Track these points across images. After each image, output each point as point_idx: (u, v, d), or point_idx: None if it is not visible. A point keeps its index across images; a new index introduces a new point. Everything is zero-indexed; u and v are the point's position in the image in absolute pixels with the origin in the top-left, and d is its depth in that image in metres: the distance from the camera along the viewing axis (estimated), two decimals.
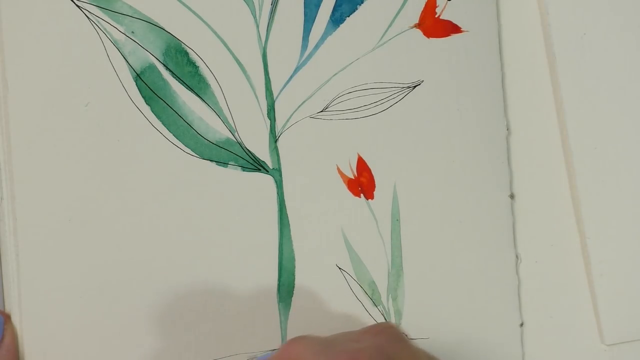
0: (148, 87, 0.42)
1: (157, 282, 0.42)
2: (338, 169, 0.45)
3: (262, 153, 0.44)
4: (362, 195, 0.46)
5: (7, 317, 0.41)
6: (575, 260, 0.48)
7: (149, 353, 0.42)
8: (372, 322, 0.45)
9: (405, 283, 0.46)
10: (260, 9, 0.44)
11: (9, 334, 0.40)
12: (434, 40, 0.47)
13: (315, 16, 0.45)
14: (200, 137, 0.43)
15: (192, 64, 0.43)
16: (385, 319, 0.46)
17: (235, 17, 0.43)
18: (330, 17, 0.45)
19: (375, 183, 0.46)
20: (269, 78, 0.44)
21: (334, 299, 0.45)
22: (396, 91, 0.46)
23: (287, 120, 0.44)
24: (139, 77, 0.42)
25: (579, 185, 0.47)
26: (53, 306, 0.41)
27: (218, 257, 0.43)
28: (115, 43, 0.42)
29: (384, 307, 0.46)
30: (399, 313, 0.46)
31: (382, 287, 0.46)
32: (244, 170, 0.44)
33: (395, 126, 0.46)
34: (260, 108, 0.44)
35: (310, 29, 0.45)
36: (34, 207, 0.41)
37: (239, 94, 0.44)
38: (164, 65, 0.43)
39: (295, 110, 0.45)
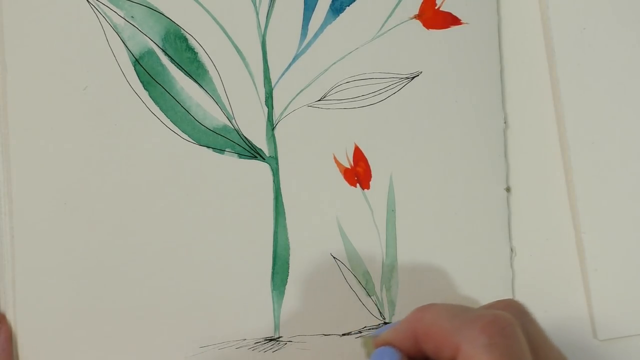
0: (147, 72, 0.42)
1: (151, 269, 0.42)
2: (335, 158, 0.45)
3: (259, 141, 0.44)
4: (358, 185, 0.46)
5: (2, 317, 0.41)
6: (570, 254, 0.48)
7: (142, 340, 0.42)
8: (366, 312, 0.45)
9: (399, 274, 0.46)
10: None
11: (3, 333, 0.40)
12: (434, 32, 0.47)
13: (316, 5, 0.45)
14: (198, 123, 0.43)
15: (191, 50, 0.43)
16: (378, 310, 0.46)
17: (235, 4, 0.43)
18: (330, 6, 0.45)
19: (372, 173, 0.46)
20: (267, 66, 0.44)
21: (327, 289, 0.45)
22: (394, 82, 0.46)
23: (285, 109, 0.44)
24: (137, 62, 0.42)
25: (575, 180, 0.47)
26: (47, 300, 0.41)
27: (213, 243, 0.43)
28: (114, 27, 0.42)
29: (377, 298, 0.46)
30: (392, 304, 0.46)
31: (376, 277, 0.46)
32: (240, 158, 0.44)
33: (393, 117, 0.46)
34: (258, 95, 0.44)
35: (310, 18, 0.45)
36: (30, 190, 0.41)
37: (237, 81, 0.44)
38: (163, 50, 0.43)
39: (293, 99, 0.45)
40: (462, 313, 0.32)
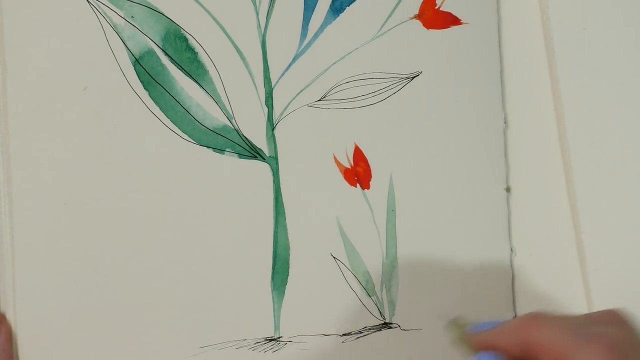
0: (147, 72, 0.42)
1: (151, 269, 0.42)
2: (335, 158, 0.45)
3: (259, 141, 0.44)
4: (358, 185, 0.46)
5: (2, 317, 0.41)
6: (570, 254, 0.48)
7: (142, 340, 0.42)
8: (366, 312, 0.45)
9: (400, 274, 0.46)
10: None
11: (3, 333, 0.40)
12: (434, 32, 0.47)
13: (316, 5, 0.45)
14: (198, 123, 0.43)
15: (191, 50, 0.43)
16: (378, 310, 0.46)
17: (235, 4, 0.43)
18: (330, 6, 0.45)
19: (372, 173, 0.46)
20: (267, 66, 0.44)
21: (328, 289, 0.45)
22: (394, 82, 0.46)
23: (285, 109, 0.44)
24: (137, 62, 0.42)
25: (575, 179, 0.47)
26: (47, 300, 0.41)
27: (212, 243, 0.43)
28: (114, 27, 0.42)
29: (377, 298, 0.46)
30: (392, 304, 0.46)
31: (376, 277, 0.46)
32: (240, 158, 0.44)
33: (393, 117, 0.46)
34: (259, 95, 0.44)
35: (310, 18, 0.45)
36: (30, 190, 0.41)
37: (237, 81, 0.44)
38: (163, 50, 0.43)
39: (293, 99, 0.45)
40: (580, 329, 0.32)
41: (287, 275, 0.44)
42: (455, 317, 0.36)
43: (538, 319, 0.33)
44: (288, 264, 0.44)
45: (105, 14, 0.42)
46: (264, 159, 0.44)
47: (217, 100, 0.43)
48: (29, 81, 0.41)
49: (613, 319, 0.34)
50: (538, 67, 0.49)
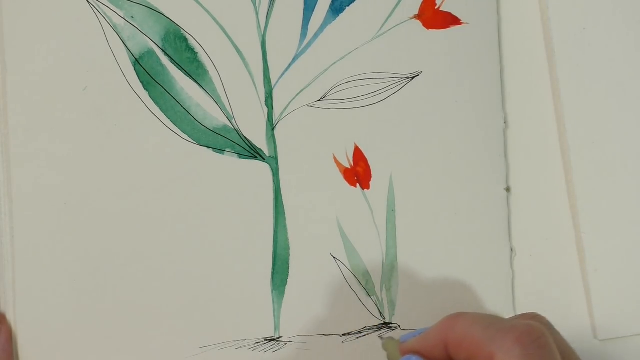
0: (146, 72, 0.42)
1: (151, 270, 0.42)
2: (335, 158, 0.45)
3: (259, 141, 0.44)
4: (358, 185, 0.46)
5: (2, 317, 0.41)
6: (570, 254, 0.48)
7: (142, 340, 0.42)
8: (366, 312, 0.45)
9: (399, 274, 0.46)
10: None
11: (3, 333, 0.40)
12: (434, 32, 0.47)
13: (315, 5, 0.45)
14: (198, 123, 0.43)
15: (191, 50, 0.43)
16: (378, 310, 0.46)
17: (235, 4, 0.44)
18: (330, 6, 0.45)
19: (372, 173, 0.46)
20: (267, 66, 0.44)
21: (327, 289, 0.45)
22: (394, 82, 0.46)
23: (285, 109, 0.45)
24: (137, 62, 0.42)
25: (575, 179, 0.47)
26: (47, 300, 0.41)
27: (212, 244, 0.43)
28: (114, 27, 0.42)
29: (377, 298, 0.46)
30: (392, 304, 0.46)
31: (376, 277, 0.46)
32: (240, 158, 0.44)
33: (393, 117, 0.46)
34: (258, 95, 0.44)
35: (310, 18, 0.45)
36: (30, 190, 0.41)
37: (237, 81, 0.44)
38: (163, 50, 0.43)
39: (293, 99, 0.45)
40: (495, 323, 0.32)
41: (287, 275, 0.44)
42: (389, 336, 0.38)
43: (455, 318, 0.34)
44: (288, 264, 0.44)
45: (105, 14, 0.42)
46: (264, 159, 0.44)
47: (217, 100, 0.43)
48: (29, 81, 0.41)
49: (530, 316, 0.35)
50: (538, 67, 0.49)
